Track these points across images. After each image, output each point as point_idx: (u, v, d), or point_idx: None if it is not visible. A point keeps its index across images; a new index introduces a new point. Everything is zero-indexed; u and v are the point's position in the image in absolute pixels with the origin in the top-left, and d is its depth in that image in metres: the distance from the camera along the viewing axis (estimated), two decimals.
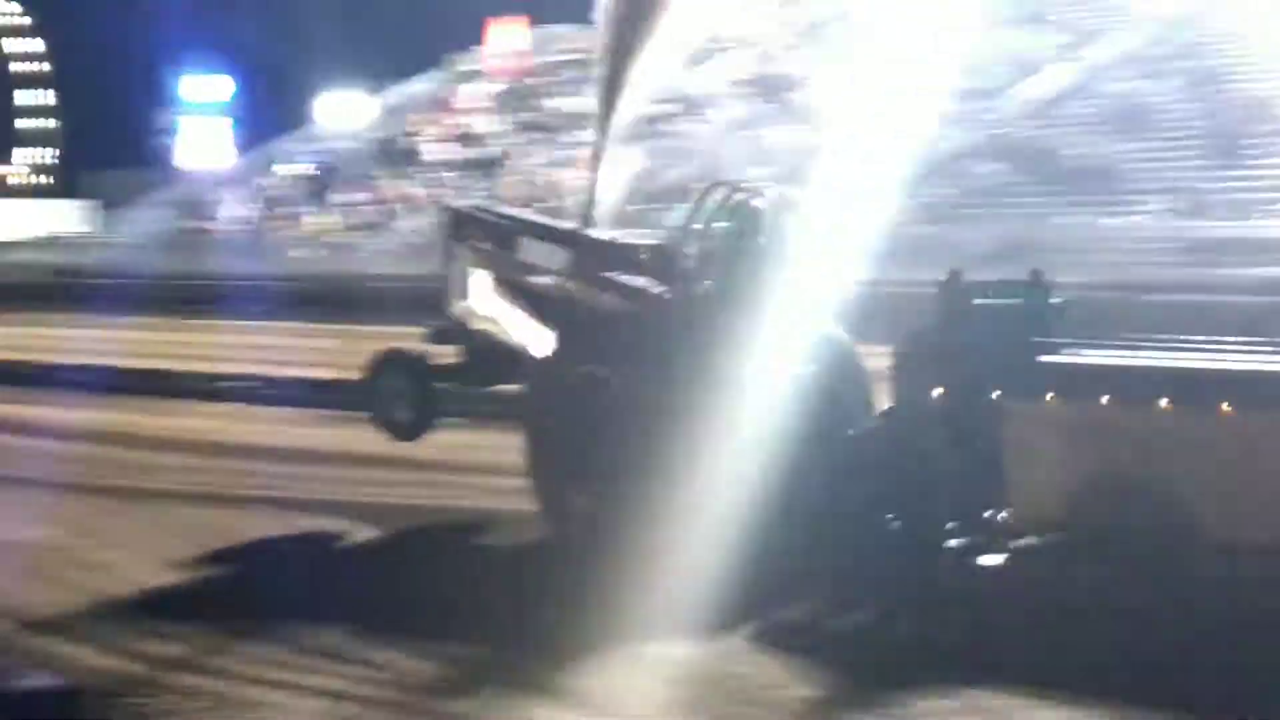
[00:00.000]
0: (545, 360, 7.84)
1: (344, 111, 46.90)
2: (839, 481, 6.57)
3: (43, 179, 67.54)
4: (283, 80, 45.52)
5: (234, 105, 52.56)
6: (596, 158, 8.32)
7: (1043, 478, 6.18)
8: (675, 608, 5.77)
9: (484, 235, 8.75)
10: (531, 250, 8.34)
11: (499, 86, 43.12)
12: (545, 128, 38.98)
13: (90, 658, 6.26)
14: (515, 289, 8.37)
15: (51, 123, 62.68)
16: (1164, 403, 5.82)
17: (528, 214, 9.69)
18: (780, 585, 6.31)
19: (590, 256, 7.93)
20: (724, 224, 7.33)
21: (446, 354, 8.80)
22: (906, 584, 6.27)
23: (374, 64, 43.99)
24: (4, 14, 73.85)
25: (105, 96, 63.25)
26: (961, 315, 6.59)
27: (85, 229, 50.05)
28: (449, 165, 41.09)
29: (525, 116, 40.70)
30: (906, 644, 5.81)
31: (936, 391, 6.49)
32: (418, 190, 39.80)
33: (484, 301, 8.61)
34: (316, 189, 42.38)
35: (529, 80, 42.67)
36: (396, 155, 42.88)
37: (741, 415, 6.48)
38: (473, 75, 44.23)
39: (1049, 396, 6.14)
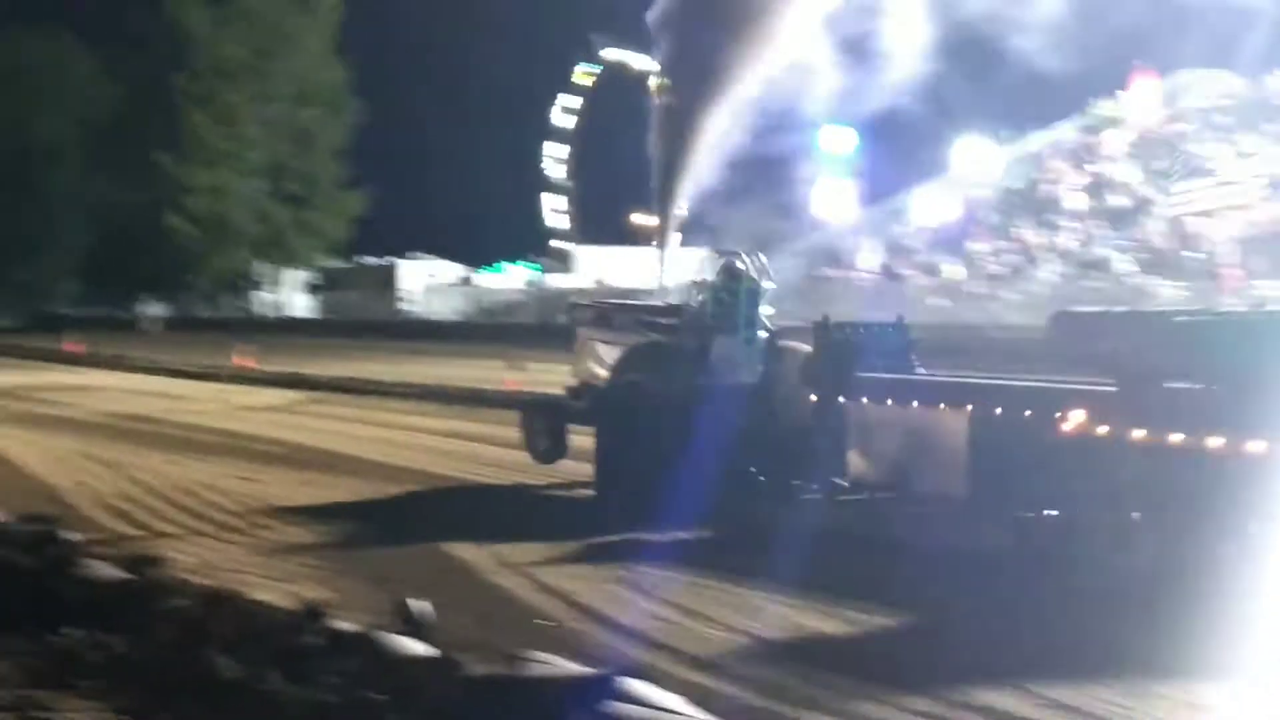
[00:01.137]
0: (608, 378, 14.47)
1: (976, 159, 55.55)
2: (747, 449, 12.56)
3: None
4: (908, 129, 53.13)
5: (859, 156, 62.46)
6: None
7: (866, 453, 11.84)
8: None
9: (590, 316, 15.78)
10: (615, 321, 15.21)
11: (1136, 134, 50.45)
12: (1184, 175, 45.83)
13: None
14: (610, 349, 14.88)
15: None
16: (938, 405, 11.18)
17: (612, 299, 17.15)
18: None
19: (642, 313, 15.06)
20: (717, 282, 14.02)
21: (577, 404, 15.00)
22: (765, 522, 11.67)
23: (1003, 111, 50.36)
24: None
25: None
26: (825, 347, 12.62)
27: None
28: (1088, 214, 48.79)
29: (1163, 164, 47.70)
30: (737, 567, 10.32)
31: (811, 397, 12.44)
32: (1056, 239, 47.88)
33: (599, 365, 14.97)
34: (954, 238, 51.11)
35: (1169, 128, 49.68)
36: (1034, 203, 51.06)
37: (711, 405, 12.73)
38: (1111, 122, 52.08)
39: (864, 400, 11.78)
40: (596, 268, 63.92)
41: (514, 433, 15.87)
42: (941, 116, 46.94)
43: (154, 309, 73.90)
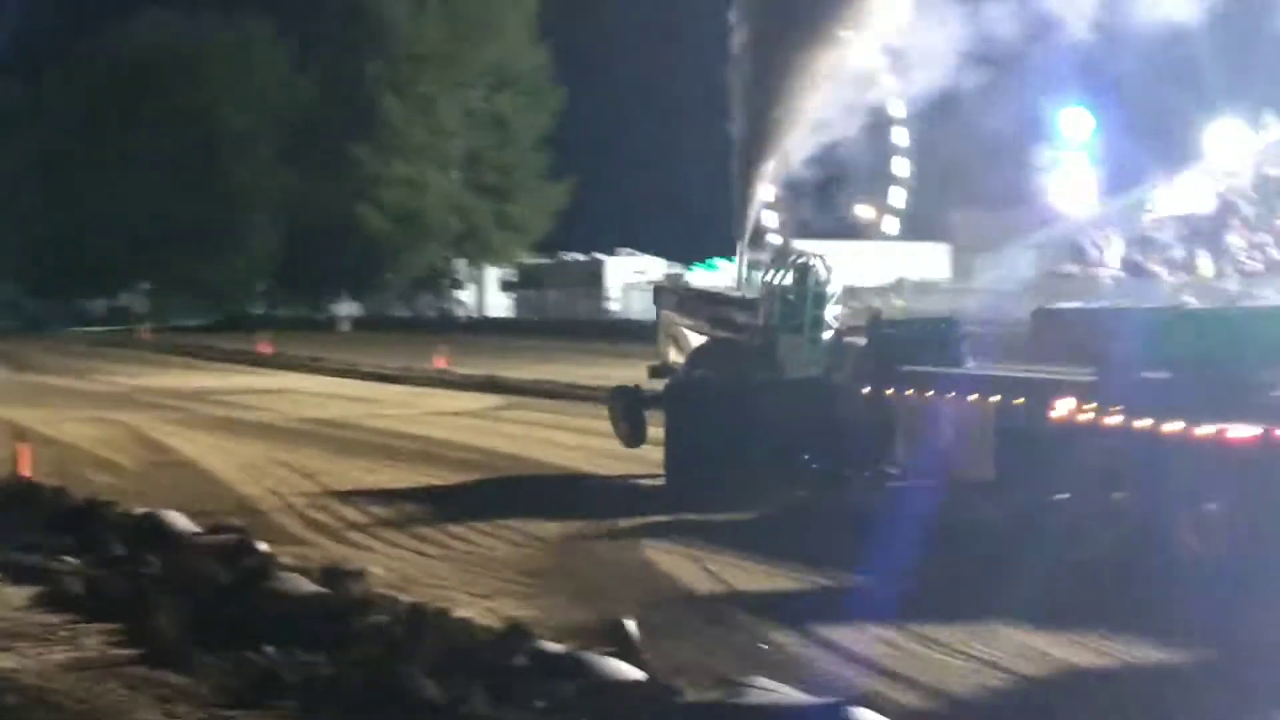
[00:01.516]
0: (684, 367, 16.85)
1: (1230, 145, 53.21)
2: (805, 441, 14.72)
3: (889, 220, 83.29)
4: (1153, 113, 50.86)
5: (1099, 141, 60.48)
6: None
7: (910, 440, 13.47)
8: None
9: (673, 301, 17.78)
10: (694, 308, 17.34)
11: None
12: None
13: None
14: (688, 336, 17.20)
15: (905, 163, 78.31)
16: (967, 397, 12.81)
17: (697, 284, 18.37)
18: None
19: (716, 305, 17.02)
20: (787, 279, 15.80)
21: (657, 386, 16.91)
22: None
23: (1262, 94, 47.97)
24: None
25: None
26: (874, 342, 14.52)
27: (938, 274, 60.85)
28: None
29: None
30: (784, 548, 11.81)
31: (863, 390, 14.17)
32: None
33: (679, 347, 17.33)
34: (1208, 230, 49.19)
35: None
36: None
37: (767, 399, 15.16)
38: None
39: (908, 391, 13.47)
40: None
41: None
42: (1192, 99, 45.46)
43: (346, 308, 76.12)
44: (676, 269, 72.40)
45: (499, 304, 77.32)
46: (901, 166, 65.75)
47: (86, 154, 76.15)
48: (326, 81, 75.65)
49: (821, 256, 16.26)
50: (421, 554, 12.29)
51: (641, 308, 65.38)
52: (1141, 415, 10.91)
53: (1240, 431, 10.19)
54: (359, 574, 9.49)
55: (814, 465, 14.71)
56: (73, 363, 42.84)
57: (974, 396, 12.84)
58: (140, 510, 12.11)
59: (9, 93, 78.48)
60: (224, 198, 75.76)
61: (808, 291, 15.84)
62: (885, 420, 13.99)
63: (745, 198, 19.13)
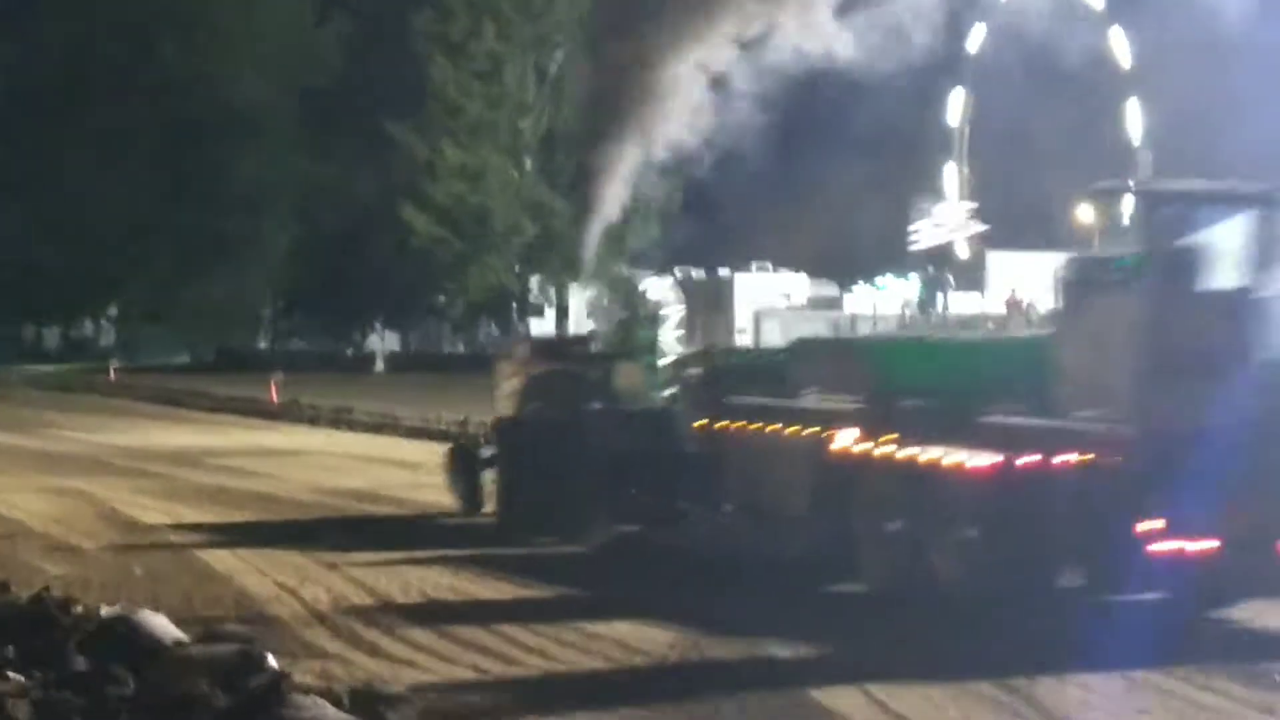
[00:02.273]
0: (516, 408, 21.02)
1: None
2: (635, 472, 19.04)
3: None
4: None
5: None
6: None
7: (738, 473, 17.76)
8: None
9: (520, 353, 22.69)
10: (535, 354, 22.38)
11: None
12: None
13: None
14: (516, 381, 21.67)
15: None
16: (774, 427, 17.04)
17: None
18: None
19: (558, 345, 24.18)
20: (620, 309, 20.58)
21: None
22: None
23: None
24: None
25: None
26: (707, 372, 18.93)
27: None
28: None
29: None
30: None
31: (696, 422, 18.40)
32: None
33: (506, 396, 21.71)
34: None
35: None
36: None
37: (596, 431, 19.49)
38: None
39: (735, 423, 17.36)
40: (1009, 278, 63.34)
41: None
42: None
43: (382, 341, 76.47)
44: (827, 289, 72.37)
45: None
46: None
47: (37, 137, 77.24)
48: (357, 39, 76.33)
49: (662, 278, 21.17)
50: (480, 671, 12.37)
51: (780, 338, 65.14)
52: (903, 445, 15.21)
53: (982, 460, 14.40)
54: (398, 699, 9.50)
55: (643, 499, 19.14)
56: (17, 412, 43.60)
57: (785, 428, 17.02)
58: (108, 611, 12.20)
59: None
60: (221, 194, 76.23)
61: (639, 315, 20.21)
62: (717, 453, 18.18)
63: (585, 225, 24.75)
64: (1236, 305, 14.86)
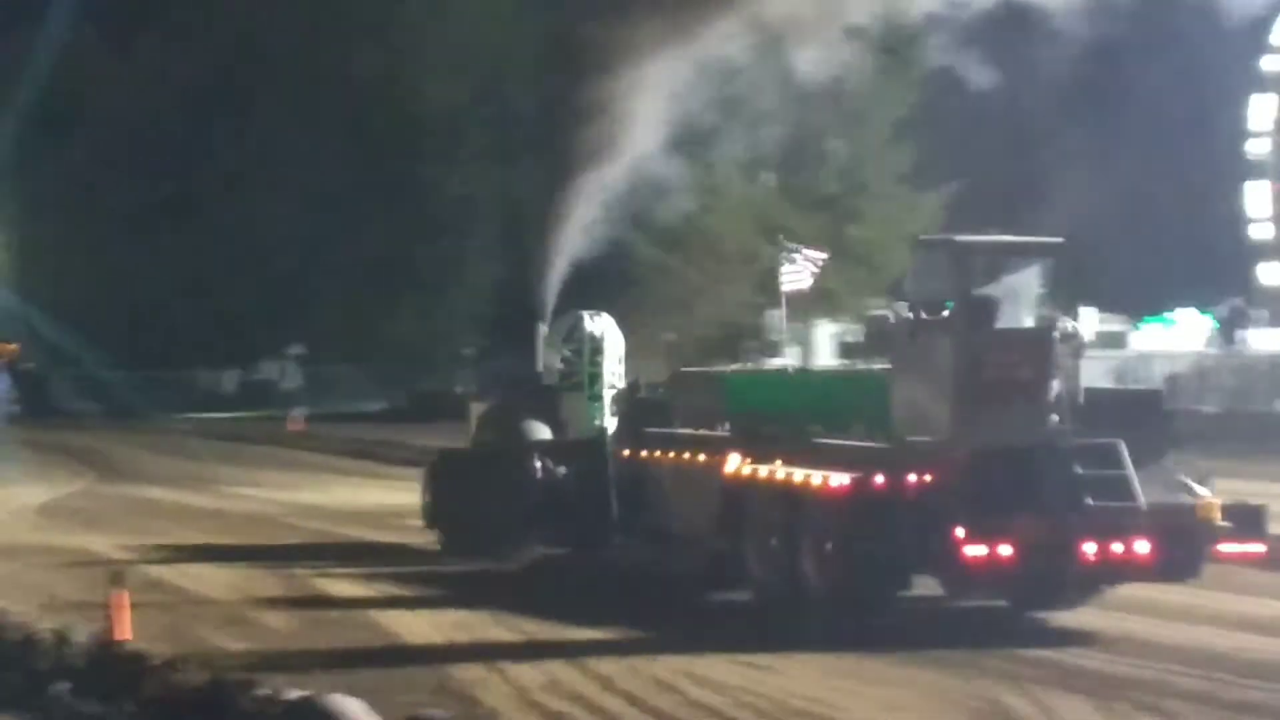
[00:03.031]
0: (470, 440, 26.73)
1: None
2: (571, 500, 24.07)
3: None
4: None
5: None
6: None
7: (657, 499, 22.44)
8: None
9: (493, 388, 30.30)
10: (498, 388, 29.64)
11: None
12: None
13: None
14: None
15: None
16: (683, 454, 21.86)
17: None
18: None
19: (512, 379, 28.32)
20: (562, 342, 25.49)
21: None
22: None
23: None
24: None
25: None
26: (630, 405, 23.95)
27: None
28: None
29: None
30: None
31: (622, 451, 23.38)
32: None
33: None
34: None
35: None
36: None
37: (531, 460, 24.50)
38: None
39: (652, 452, 22.47)
40: None
41: None
42: None
43: None
44: (1114, 324, 71.28)
45: None
46: None
47: (208, 158, 78.51)
48: (562, 27, 76.68)
49: (602, 314, 25.61)
50: None
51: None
52: (769, 466, 19.85)
53: (837, 479, 18.64)
54: None
55: (571, 524, 23.94)
56: (188, 466, 44.43)
57: (689, 456, 21.81)
58: (294, 694, 12.39)
59: (95, 62, 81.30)
60: (416, 218, 76.91)
61: (583, 347, 25.06)
62: (638, 480, 22.84)
63: (543, 272, 28.14)
64: (1036, 342, 19.60)
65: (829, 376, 25.97)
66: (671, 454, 22.13)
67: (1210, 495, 19.30)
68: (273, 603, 20.62)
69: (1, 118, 78.56)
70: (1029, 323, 20.08)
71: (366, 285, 77.89)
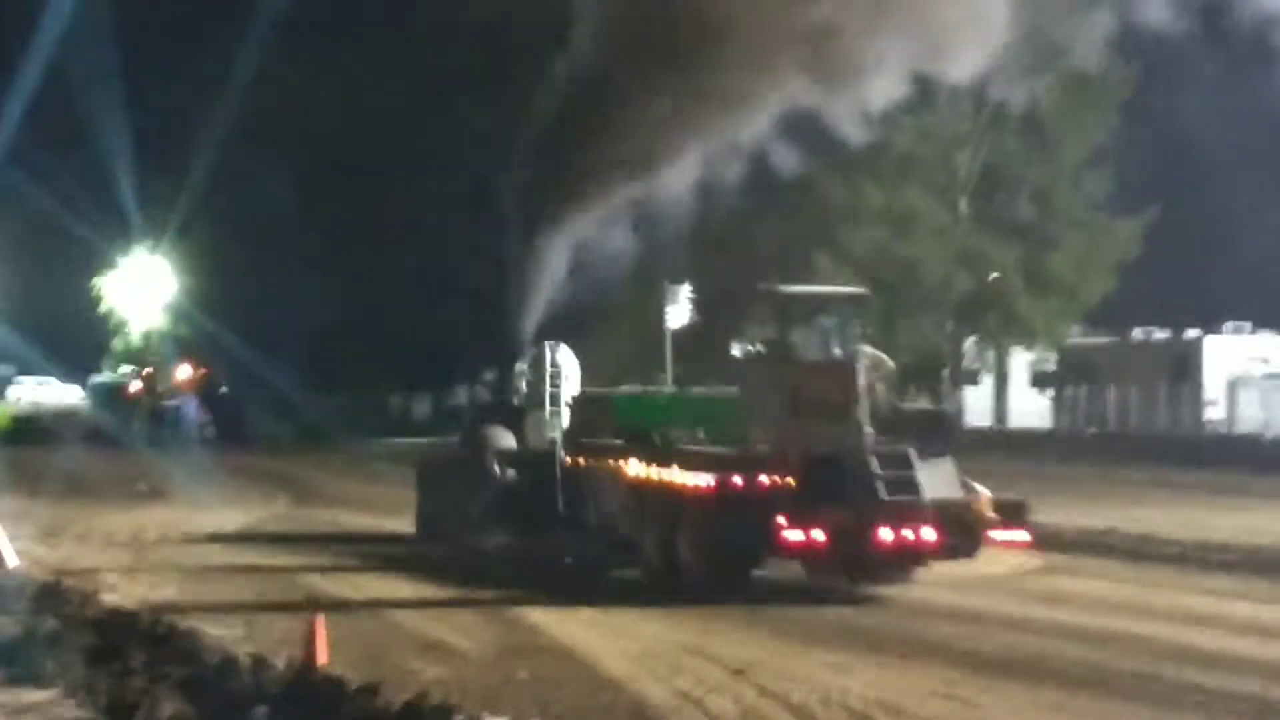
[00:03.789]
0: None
1: None
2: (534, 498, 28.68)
3: None
4: None
5: None
6: None
7: (592, 499, 27.58)
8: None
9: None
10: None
11: None
12: None
13: None
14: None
15: None
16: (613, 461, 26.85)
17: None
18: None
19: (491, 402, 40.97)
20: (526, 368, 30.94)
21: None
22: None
23: None
24: None
25: None
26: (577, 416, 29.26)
27: None
28: None
29: None
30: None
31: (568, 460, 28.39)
32: None
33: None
34: None
35: None
36: None
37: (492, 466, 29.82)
38: None
39: (580, 460, 28.06)
40: None
41: None
42: None
43: None
44: None
45: (1029, 407, 76.28)
46: None
47: (391, 179, 79.21)
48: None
49: (561, 345, 30.24)
50: None
51: (1260, 414, 63.39)
52: (650, 468, 25.25)
53: (704, 480, 23.61)
54: None
55: (525, 519, 28.72)
56: (381, 491, 44.60)
57: (606, 462, 27.01)
58: None
59: (287, 87, 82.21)
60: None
61: (544, 372, 29.57)
62: (577, 483, 27.88)
63: (519, 308, 33.44)
64: (843, 370, 25.17)
65: (695, 398, 29.99)
66: (595, 460, 27.52)
67: (985, 492, 24.72)
68: (467, 628, 20.75)
69: (197, 143, 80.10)
70: (838, 355, 25.88)
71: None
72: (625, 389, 32.90)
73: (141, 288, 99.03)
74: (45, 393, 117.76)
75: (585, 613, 22.06)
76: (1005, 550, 27.86)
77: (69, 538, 30.76)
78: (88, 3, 76.26)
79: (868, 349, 26.42)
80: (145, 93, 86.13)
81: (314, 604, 16.95)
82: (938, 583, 25.37)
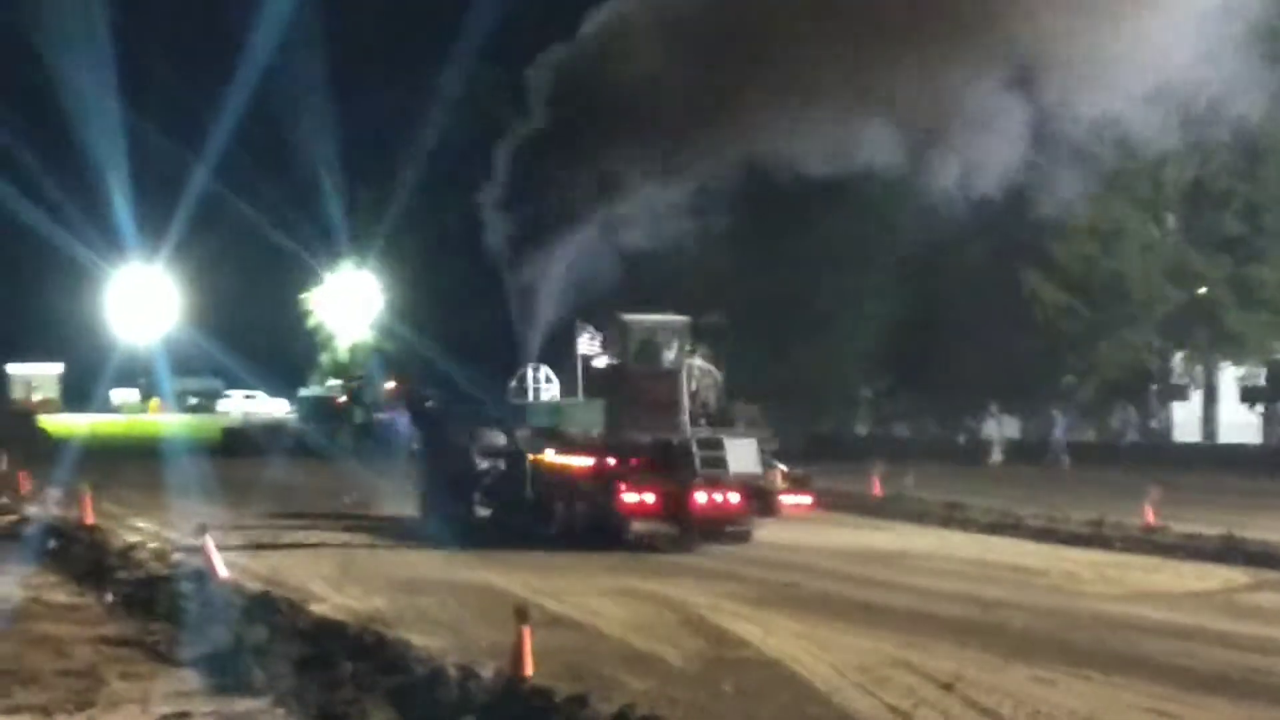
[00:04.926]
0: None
1: None
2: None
3: None
4: None
5: None
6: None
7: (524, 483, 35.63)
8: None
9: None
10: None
11: None
12: None
13: None
14: None
15: None
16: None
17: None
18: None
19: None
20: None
21: None
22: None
23: None
24: None
25: None
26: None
27: None
28: None
29: None
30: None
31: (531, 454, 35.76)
32: None
33: None
34: None
35: None
36: None
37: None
38: None
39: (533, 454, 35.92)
40: None
41: None
42: None
43: (998, 427, 75.57)
44: None
45: (1238, 422, 75.22)
46: None
47: None
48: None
49: (542, 365, 38.15)
50: None
51: None
52: (557, 456, 34.42)
53: (584, 462, 33.04)
54: None
55: (500, 501, 36.62)
56: None
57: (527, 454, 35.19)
58: None
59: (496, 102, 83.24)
60: (810, 254, 76.39)
61: (527, 386, 37.94)
62: (535, 470, 34.84)
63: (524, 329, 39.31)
64: (671, 377, 34.08)
65: (586, 404, 36.09)
66: (533, 453, 35.15)
67: (782, 468, 32.96)
68: (672, 640, 20.69)
69: (402, 160, 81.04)
70: (667, 366, 34.49)
71: (762, 324, 77.84)
72: (545, 400, 38.55)
73: (348, 302, 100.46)
74: (254, 406, 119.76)
75: (790, 625, 21.95)
76: (1208, 569, 28.37)
77: (277, 549, 31.14)
78: (297, 19, 77.54)
79: (699, 361, 34.60)
80: (352, 106, 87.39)
81: (522, 615, 16.99)
82: (1146, 598, 25.24)
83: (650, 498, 31.38)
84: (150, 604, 22.83)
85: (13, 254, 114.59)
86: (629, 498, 31.33)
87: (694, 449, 31.84)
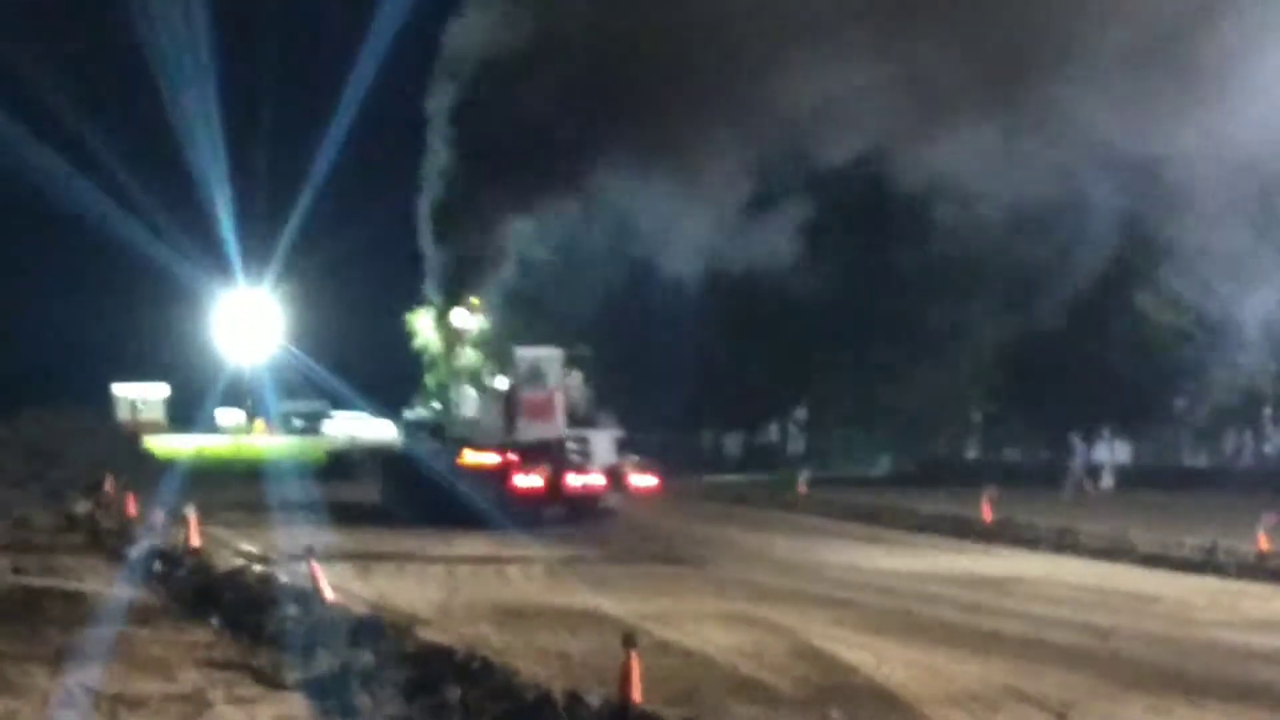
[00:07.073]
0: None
1: None
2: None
3: None
4: None
5: None
6: None
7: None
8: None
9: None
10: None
11: None
12: None
13: None
14: None
15: None
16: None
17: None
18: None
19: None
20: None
21: None
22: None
23: None
24: None
25: None
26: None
27: None
28: None
29: None
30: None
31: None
32: None
33: None
34: None
35: None
36: None
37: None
38: None
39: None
40: None
41: None
42: None
43: (1110, 451, 74.99)
44: None
45: None
46: None
47: None
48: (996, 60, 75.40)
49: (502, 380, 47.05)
50: None
51: None
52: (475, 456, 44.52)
53: (493, 458, 43.62)
54: None
55: (440, 498, 43.21)
56: (694, 529, 44.85)
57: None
58: None
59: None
60: (921, 277, 76.02)
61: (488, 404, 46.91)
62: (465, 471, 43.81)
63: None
64: (549, 393, 44.85)
65: (487, 415, 45.96)
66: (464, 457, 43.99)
67: (634, 458, 44.40)
68: (781, 666, 20.67)
69: None
70: (548, 386, 45.01)
71: (872, 348, 77.68)
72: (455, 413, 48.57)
73: (453, 324, 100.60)
74: (359, 428, 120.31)
75: (901, 652, 21.87)
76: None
77: (383, 572, 31.22)
78: (398, 49, 78.00)
79: (577, 375, 46.07)
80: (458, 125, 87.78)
81: (629, 641, 16.97)
82: (1262, 626, 25.01)
83: (536, 480, 42.53)
84: (257, 627, 22.95)
85: (120, 276, 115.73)
86: (520, 482, 42.38)
87: (567, 444, 43.83)
